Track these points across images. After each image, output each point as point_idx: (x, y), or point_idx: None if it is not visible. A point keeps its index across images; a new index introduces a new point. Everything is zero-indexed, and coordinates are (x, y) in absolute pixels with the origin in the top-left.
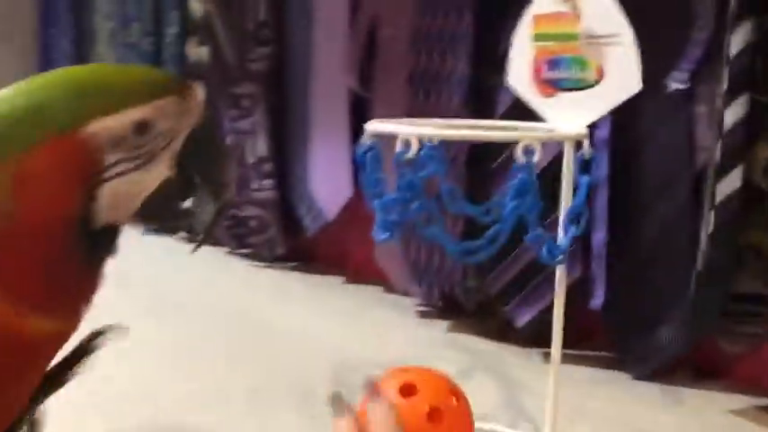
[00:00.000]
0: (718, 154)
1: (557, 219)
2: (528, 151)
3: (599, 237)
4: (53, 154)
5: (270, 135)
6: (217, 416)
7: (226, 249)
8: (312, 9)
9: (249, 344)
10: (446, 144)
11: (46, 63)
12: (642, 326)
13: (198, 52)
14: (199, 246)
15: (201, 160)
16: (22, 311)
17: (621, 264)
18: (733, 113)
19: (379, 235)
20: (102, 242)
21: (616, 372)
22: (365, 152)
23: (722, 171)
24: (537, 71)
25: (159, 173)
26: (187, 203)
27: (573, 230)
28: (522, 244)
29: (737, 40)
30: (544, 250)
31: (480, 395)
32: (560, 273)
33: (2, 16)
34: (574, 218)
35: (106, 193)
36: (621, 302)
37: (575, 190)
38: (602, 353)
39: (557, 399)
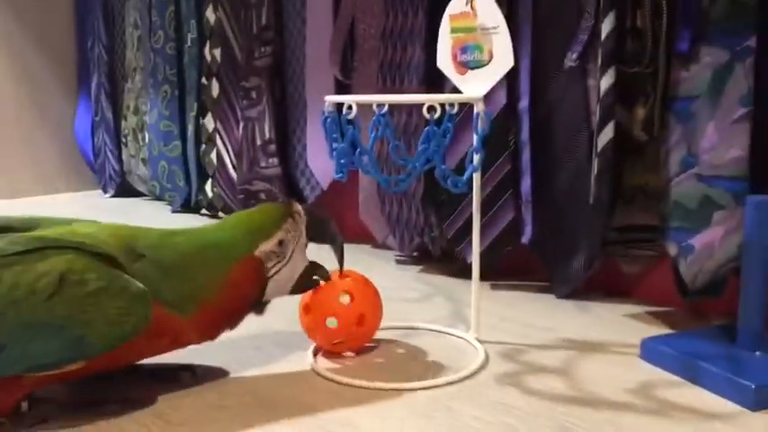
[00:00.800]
0: (598, 115)
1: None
2: (431, 109)
3: (525, 184)
4: (244, 268)
5: (274, 120)
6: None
7: None
8: (304, 12)
9: None
10: (408, 117)
11: (83, 69)
12: (561, 256)
13: (213, 54)
14: (341, 268)
15: (324, 235)
16: (191, 331)
17: (543, 207)
18: (606, 82)
19: (334, 176)
20: (261, 307)
21: (546, 294)
22: (326, 119)
23: (601, 126)
24: (454, 56)
25: (299, 264)
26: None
27: (471, 167)
28: (467, 198)
29: (606, 26)
30: (449, 182)
31: (432, 311)
32: (475, 199)
33: (44, 29)
34: (472, 158)
35: (270, 286)
36: (545, 238)
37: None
38: (536, 282)
39: (479, 302)
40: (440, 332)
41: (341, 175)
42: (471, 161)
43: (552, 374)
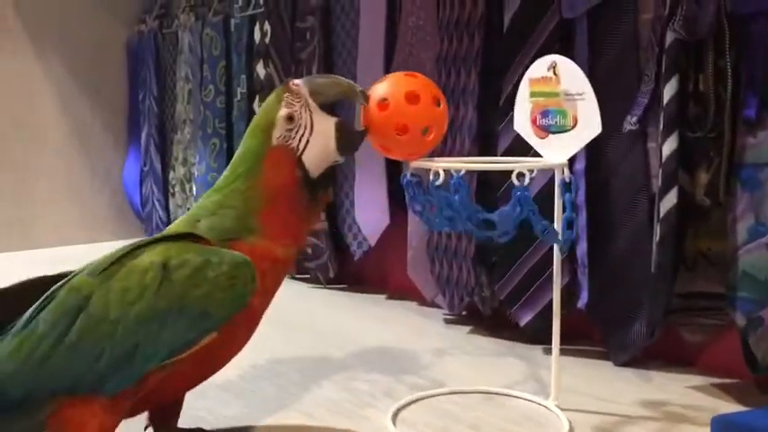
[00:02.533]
0: (660, 180)
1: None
2: (520, 176)
3: (581, 248)
4: (270, 163)
5: None
6: (278, 388)
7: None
8: (354, 68)
9: (305, 343)
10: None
11: (134, 120)
12: (619, 322)
13: None
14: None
15: (333, 92)
16: (274, 246)
17: (600, 272)
18: (668, 147)
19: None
20: (316, 186)
21: (601, 361)
22: (409, 181)
23: (663, 191)
24: (533, 120)
25: (324, 124)
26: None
27: (568, 234)
28: (522, 257)
29: (668, 91)
30: (550, 236)
31: (492, 375)
32: (557, 265)
33: (97, 81)
34: (567, 224)
35: (307, 158)
36: (601, 304)
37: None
38: (591, 347)
39: (559, 367)
40: (518, 398)
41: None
42: (565, 227)
43: None
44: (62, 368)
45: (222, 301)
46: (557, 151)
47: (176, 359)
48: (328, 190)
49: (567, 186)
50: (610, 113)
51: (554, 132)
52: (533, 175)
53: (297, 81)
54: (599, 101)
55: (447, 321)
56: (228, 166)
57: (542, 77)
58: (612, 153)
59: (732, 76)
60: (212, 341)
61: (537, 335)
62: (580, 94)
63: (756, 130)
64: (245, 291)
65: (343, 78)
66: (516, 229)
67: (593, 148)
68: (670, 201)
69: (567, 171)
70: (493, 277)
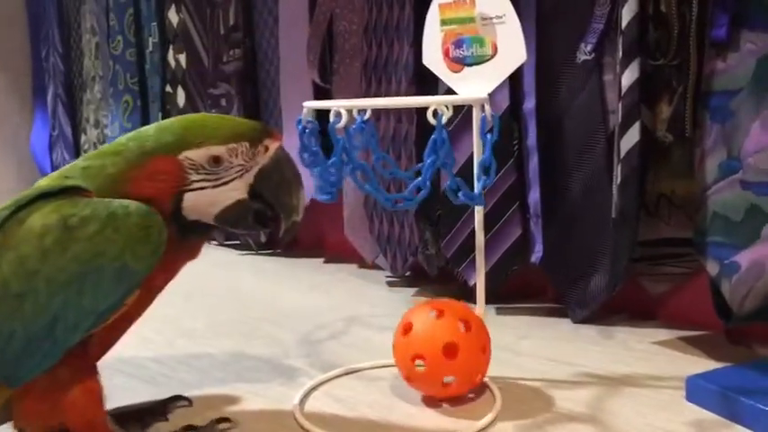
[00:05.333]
0: (620, 115)
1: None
2: (437, 114)
3: (533, 197)
4: (161, 163)
5: None
6: (202, 375)
7: (214, 243)
8: (276, 9)
9: (233, 315)
10: (398, 124)
11: (39, 80)
12: (577, 276)
13: (177, 59)
14: (281, 242)
15: (273, 189)
16: None
17: (555, 221)
18: (628, 77)
19: (319, 196)
20: (190, 229)
21: (561, 319)
22: (303, 129)
23: (624, 128)
24: (446, 51)
25: (232, 194)
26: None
27: (483, 180)
28: (466, 213)
29: (627, 13)
30: (461, 196)
31: None
32: (478, 215)
33: None
34: (484, 169)
35: (189, 197)
36: (558, 256)
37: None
38: (548, 304)
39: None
40: None
41: (329, 195)
42: (481, 172)
43: (583, 423)
44: None
45: (142, 252)
46: (474, 86)
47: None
48: (201, 241)
49: (487, 125)
50: (560, 42)
51: (470, 65)
52: (450, 113)
53: (276, 144)
54: (546, 27)
55: (390, 284)
56: (147, 128)
57: (454, 1)
58: (565, 88)
59: None
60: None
61: (488, 294)
62: (500, 17)
63: (727, 52)
64: (161, 238)
65: (301, 193)
66: (429, 186)
67: (542, 85)
68: (631, 138)
69: (488, 107)
70: (438, 234)
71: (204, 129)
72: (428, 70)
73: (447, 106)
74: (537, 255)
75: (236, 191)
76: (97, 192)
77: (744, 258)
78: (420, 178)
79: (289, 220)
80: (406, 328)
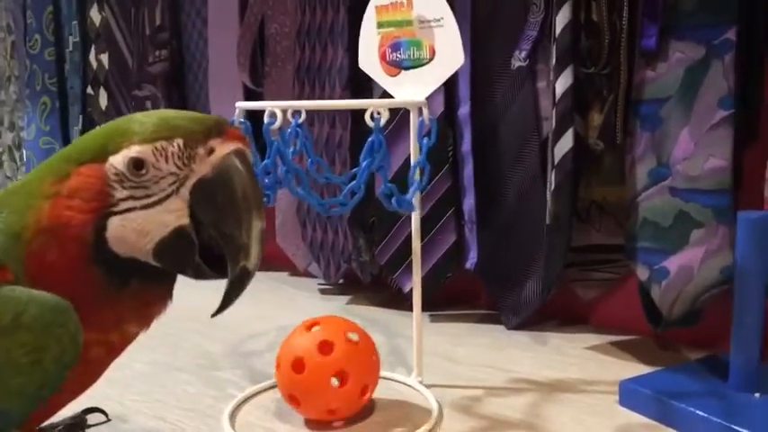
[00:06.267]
0: (553, 121)
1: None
2: (374, 117)
3: (468, 204)
4: (83, 174)
5: None
6: (122, 389)
7: None
8: (205, 10)
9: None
10: (331, 128)
11: None
12: (511, 282)
13: (99, 59)
14: (216, 313)
15: (215, 215)
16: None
17: (489, 227)
18: (562, 84)
19: None
20: (122, 270)
21: (493, 325)
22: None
23: (557, 135)
24: (382, 54)
25: (166, 217)
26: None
27: (417, 184)
28: (401, 219)
29: (560, 20)
30: (394, 201)
31: None
32: (415, 220)
33: None
34: (418, 174)
35: (114, 224)
36: (492, 262)
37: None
38: (482, 311)
39: (421, 340)
40: (383, 377)
41: (264, 199)
42: (415, 176)
43: (521, 430)
44: None
45: (23, 390)
46: (411, 90)
47: None
48: (152, 293)
49: (424, 129)
50: (495, 48)
51: (408, 68)
52: (387, 116)
53: (230, 146)
54: (481, 33)
55: (323, 292)
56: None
57: (391, 3)
58: (500, 94)
59: (628, 2)
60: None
61: (423, 301)
62: (437, 20)
63: (656, 61)
64: (60, 365)
65: (255, 225)
66: (364, 189)
67: (478, 90)
68: (565, 145)
69: (426, 111)
70: (372, 241)
71: (131, 124)
72: (363, 75)
73: (384, 109)
74: (471, 261)
75: (171, 213)
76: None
77: (673, 263)
78: (354, 182)
79: (235, 264)
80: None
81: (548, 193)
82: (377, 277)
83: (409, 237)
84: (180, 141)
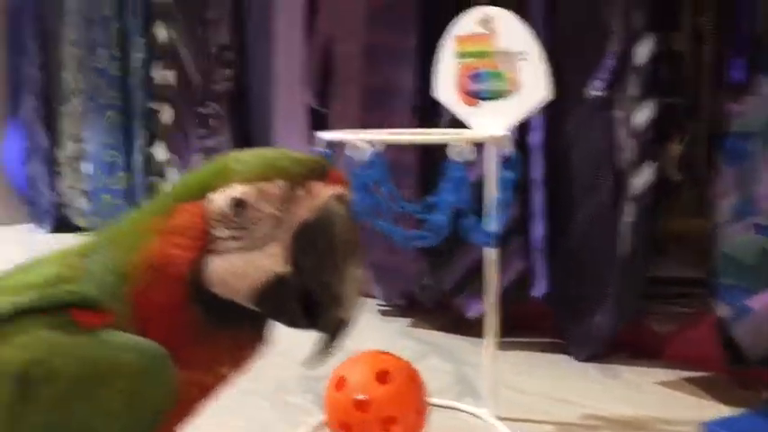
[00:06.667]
0: (631, 152)
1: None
2: (460, 152)
3: (538, 231)
4: (185, 211)
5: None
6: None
7: None
8: (271, 31)
9: None
10: (399, 153)
11: (14, 90)
12: (580, 312)
13: (164, 75)
14: (312, 363)
15: (314, 261)
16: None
17: (559, 256)
18: (642, 115)
19: None
20: (220, 311)
21: (560, 355)
22: None
23: (635, 166)
24: (462, 84)
25: (266, 262)
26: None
27: (498, 219)
28: (467, 244)
29: (642, 50)
30: (476, 235)
31: (432, 377)
32: (493, 255)
33: None
34: (500, 207)
35: (214, 264)
36: (561, 291)
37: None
38: (548, 339)
39: (494, 371)
40: (450, 408)
41: None
42: (498, 210)
43: None
44: None
45: (124, 424)
46: (490, 121)
47: None
48: (244, 329)
49: (508, 163)
50: (570, 76)
51: (486, 99)
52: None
53: (333, 189)
54: (556, 61)
55: (384, 313)
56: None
57: (473, 34)
58: (573, 123)
59: (713, 33)
60: None
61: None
62: (522, 54)
63: (744, 95)
64: (154, 410)
65: (351, 274)
66: (447, 224)
67: (551, 119)
68: (644, 177)
69: (509, 145)
70: (437, 264)
71: (233, 163)
72: (430, 99)
73: (470, 144)
74: (540, 289)
75: (271, 258)
76: (100, 285)
77: (756, 302)
78: (440, 217)
79: (329, 314)
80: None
81: (622, 223)
82: (438, 301)
83: (475, 263)
84: (281, 183)
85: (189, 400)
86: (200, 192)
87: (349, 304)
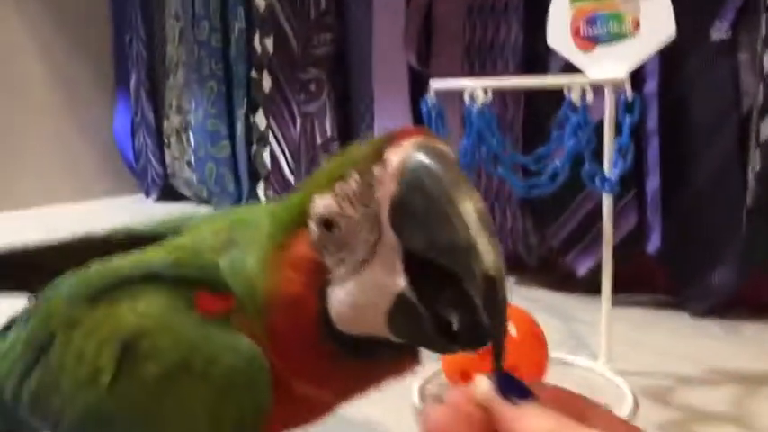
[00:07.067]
0: (760, 96)
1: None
2: (579, 96)
3: (653, 184)
4: (295, 248)
5: (336, 116)
6: None
7: None
8: None
9: None
10: (503, 108)
11: (122, 67)
12: (698, 266)
13: (264, 44)
14: (496, 360)
15: (423, 232)
16: (288, 373)
17: (675, 209)
18: None
19: None
20: (351, 347)
21: (677, 311)
22: (429, 110)
23: (764, 110)
24: (576, 30)
25: (383, 282)
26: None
27: (621, 164)
28: (578, 198)
29: None
30: (597, 182)
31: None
32: (608, 203)
33: (78, 25)
34: (621, 153)
35: (335, 298)
36: (677, 247)
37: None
38: (662, 296)
39: (610, 324)
40: (564, 362)
41: None
42: (618, 156)
43: (727, 423)
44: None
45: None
46: (608, 66)
47: None
48: (374, 366)
49: (627, 107)
50: (688, 18)
51: (604, 42)
52: (590, 96)
53: (405, 144)
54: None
55: None
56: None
57: None
58: (693, 68)
59: None
60: None
61: (598, 284)
62: None
63: None
64: (243, 418)
65: (477, 218)
66: (568, 169)
67: (667, 64)
68: None
69: (629, 87)
70: (542, 222)
71: (313, 176)
72: (537, 53)
73: (589, 87)
74: (654, 245)
75: (385, 274)
76: (241, 290)
77: None
78: (559, 163)
79: (473, 279)
80: None
81: (750, 173)
82: (543, 260)
83: (585, 218)
84: (355, 174)
85: (292, 414)
86: (302, 218)
87: (485, 250)
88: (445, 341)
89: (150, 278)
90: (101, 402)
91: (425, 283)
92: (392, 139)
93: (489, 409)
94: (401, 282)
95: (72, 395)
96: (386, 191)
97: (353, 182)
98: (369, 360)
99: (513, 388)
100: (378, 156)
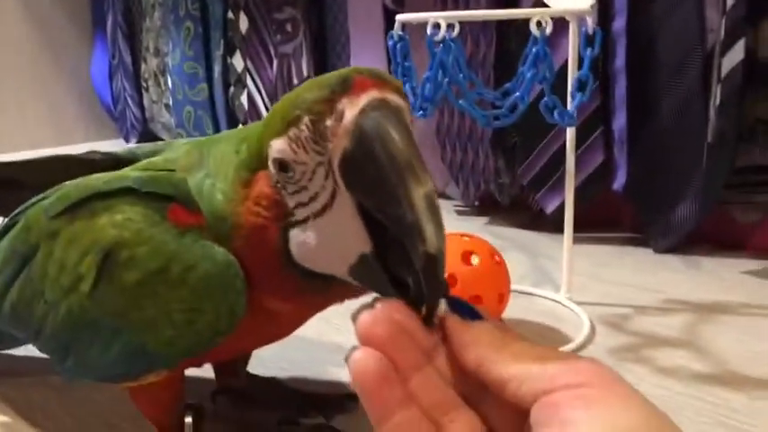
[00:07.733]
0: (722, 32)
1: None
2: (539, 26)
3: (619, 122)
4: (258, 185)
5: (312, 56)
6: None
7: None
8: None
9: None
10: (474, 47)
11: (98, 9)
12: (662, 203)
13: None
14: (427, 321)
15: (374, 195)
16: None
17: (641, 146)
18: None
19: (417, 113)
20: (315, 280)
21: (640, 248)
22: (396, 43)
23: (726, 46)
24: None
25: (342, 231)
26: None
27: (579, 97)
28: (547, 137)
29: None
30: (556, 114)
31: (510, 268)
32: (570, 137)
33: None
34: (580, 86)
35: (295, 239)
36: (642, 183)
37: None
38: (627, 233)
39: (571, 257)
40: (527, 294)
41: (423, 112)
42: (577, 88)
43: (678, 347)
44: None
45: (168, 341)
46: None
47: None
48: (336, 289)
49: (587, 39)
50: None
51: None
52: (549, 27)
53: (363, 96)
54: None
55: (459, 213)
56: (239, 130)
57: None
58: (659, 5)
59: None
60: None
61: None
62: None
63: None
64: (208, 334)
65: (420, 190)
66: (527, 101)
67: (635, 1)
68: (735, 56)
69: (590, 19)
70: (513, 161)
71: (271, 115)
72: None
73: (548, 18)
74: (620, 182)
75: (345, 224)
76: (208, 214)
77: None
78: (518, 93)
79: (415, 252)
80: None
81: (711, 108)
82: (515, 199)
83: (554, 157)
84: (307, 120)
85: (262, 325)
86: (262, 157)
87: (427, 232)
88: (399, 293)
89: (126, 192)
90: (82, 308)
91: (381, 230)
92: (346, 86)
93: (441, 321)
94: (365, 245)
95: (55, 302)
96: (338, 144)
97: (305, 128)
98: (330, 282)
99: (465, 310)
100: (331, 104)
